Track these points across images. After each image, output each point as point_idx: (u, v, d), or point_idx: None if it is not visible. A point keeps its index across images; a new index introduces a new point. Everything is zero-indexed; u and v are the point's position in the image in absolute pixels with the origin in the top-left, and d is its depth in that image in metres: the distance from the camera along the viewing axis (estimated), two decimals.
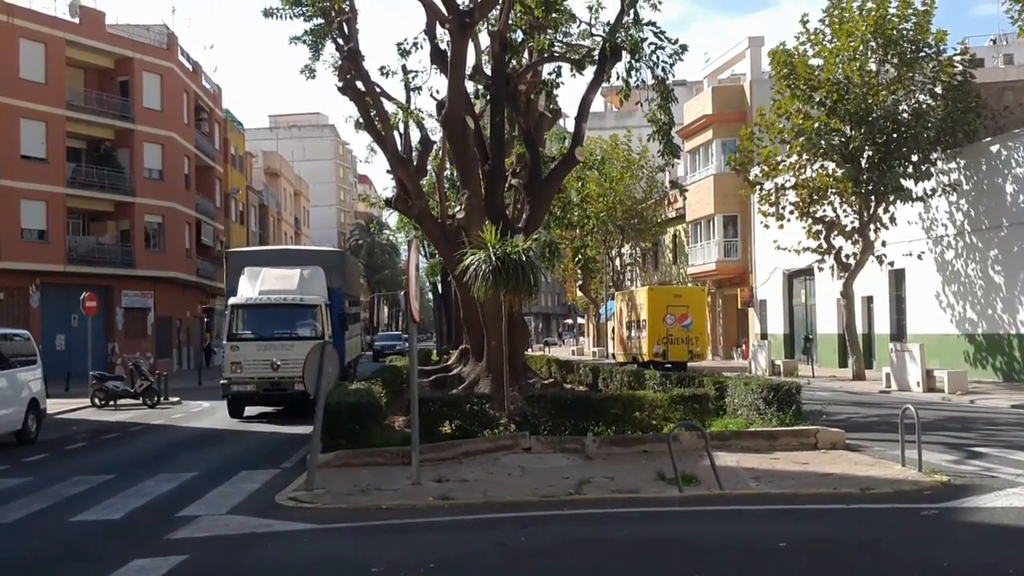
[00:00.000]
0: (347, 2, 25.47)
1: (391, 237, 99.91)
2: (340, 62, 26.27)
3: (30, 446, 19.74)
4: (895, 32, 31.66)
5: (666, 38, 24.56)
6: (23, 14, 43.75)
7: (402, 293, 76.27)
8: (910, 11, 31.77)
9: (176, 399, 31.49)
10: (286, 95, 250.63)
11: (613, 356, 49.04)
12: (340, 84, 26.03)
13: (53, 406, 24.68)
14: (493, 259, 17.56)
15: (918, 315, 34.85)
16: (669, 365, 36.62)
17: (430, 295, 76.67)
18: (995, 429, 19.41)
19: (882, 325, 37.21)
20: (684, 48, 24.66)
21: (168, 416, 26.66)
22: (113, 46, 48.76)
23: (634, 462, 14.82)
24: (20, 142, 43.35)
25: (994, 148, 31.13)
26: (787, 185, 35.35)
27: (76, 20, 46.85)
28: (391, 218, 69.77)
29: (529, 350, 47.00)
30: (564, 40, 27.92)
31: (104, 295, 44.55)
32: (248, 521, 11.34)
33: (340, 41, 26.16)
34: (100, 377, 30.45)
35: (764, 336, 46.43)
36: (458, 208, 27.15)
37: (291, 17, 25.71)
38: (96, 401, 29.32)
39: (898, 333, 35.55)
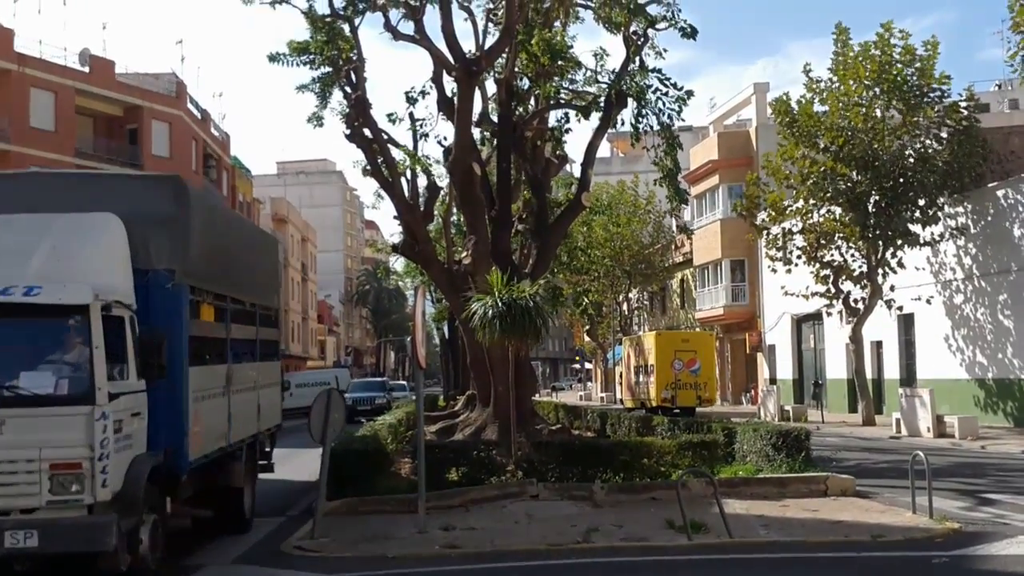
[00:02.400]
0: (354, 51, 25.67)
1: (398, 283, 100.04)
2: (347, 110, 26.43)
3: None
4: (899, 77, 31.81)
5: (671, 84, 24.69)
6: (34, 63, 44.25)
7: (408, 339, 76.20)
8: (914, 56, 31.93)
9: None
10: (294, 140, 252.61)
11: (621, 401, 48.81)
12: (348, 132, 26.16)
13: None
14: (499, 304, 17.52)
15: (928, 360, 34.67)
16: (678, 411, 36.42)
17: (437, 341, 76.57)
18: (1007, 475, 19.21)
19: (892, 370, 37.01)
20: (690, 94, 24.77)
21: None
22: (122, 94, 49.24)
23: (643, 509, 14.68)
24: None
25: (1001, 192, 31.14)
26: (794, 230, 35.37)
27: (86, 69, 47.37)
28: (398, 263, 70.02)
29: (536, 395, 46.84)
30: (570, 87, 28.08)
31: None
32: (254, 570, 11.25)
33: (347, 89, 26.32)
34: None
35: (773, 381, 46.20)
36: (465, 254, 27.16)
37: (297, 64, 25.90)
38: None
39: (908, 378, 35.34)
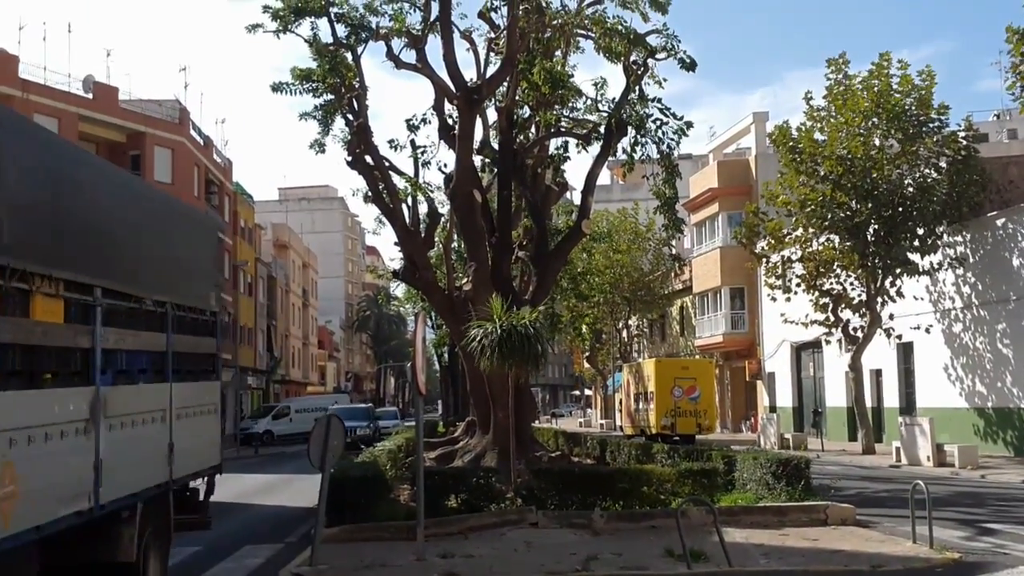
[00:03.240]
0: (357, 79, 25.87)
1: (399, 308, 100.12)
2: (350, 137, 26.60)
3: None
4: (897, 107, 31.97)
5: (671, 114, 24.88)
6: (37, 89, 44.46)
7: (408, 365, 76.15)
8: (911, 86, 32.10)
9: None
10: (296, 166, 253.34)
11: (621, 428, 48.73)
12: (350, 158, 26.32)
13: None
14: (499, 331, 17.55)
15: (927, 388, 34.66)
16: (677, 438, 36.38)
17: (437, 367, 76.43)
18: (1007, 505, 19.18)
19: (891, 398, 36.99)
20: (689, 124, 25.05)
21: None
22: (126, 121, 49.45)
23: (642, 538, 14.66)
24: None
25: (1000, 222, 31.23)
26: (793, 258, 35.44)
27: (90, 95, 47.59)
28: (399, 289, 70.16)
29: (536, 422, 46.80)
30: (570, 116, 28.28)
31: None
32: None
33: (350, 117, 26.51)
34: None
35: (773, 409, 46.15)
36: (465, 280, 27.27)
37: (301, 92, 26.09)
38: None
39: (907, 406, 35.31)
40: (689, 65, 24.38)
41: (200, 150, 56.34)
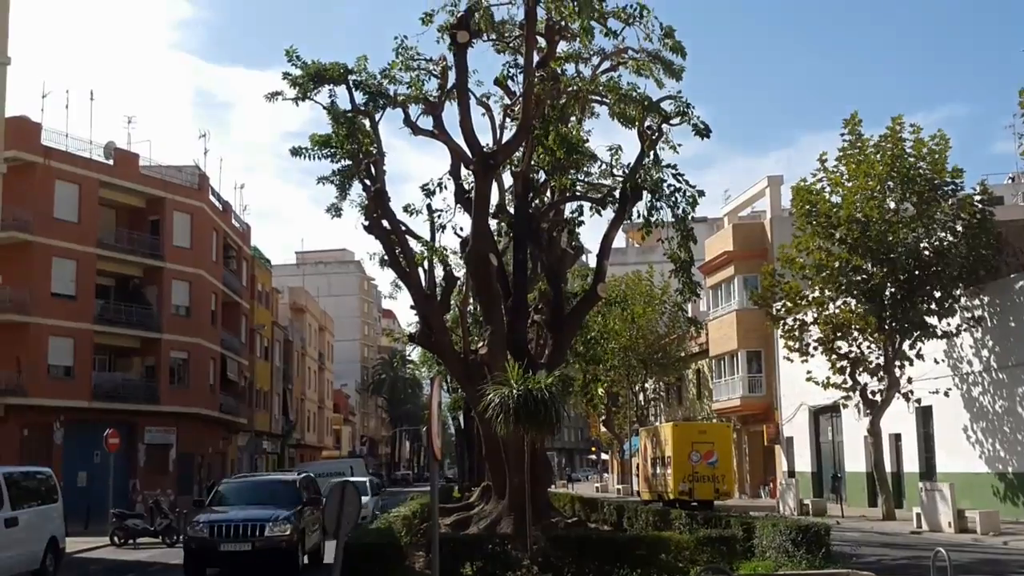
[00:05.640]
0: (374, 145, 26.15)
1: (414, 372, 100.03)
2: (366, 202, 26.79)
3: None
4: (911, 170, 32.08)
5: (685, 181, 25.04)
6: (59, 156, 45.14)
7: (424, 429, 75.52)
8: (925, 150, 32.25)
9: None
10: (313, 229, 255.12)
11: (638, 493, 48.27)
12: (366, 223, 26.48)
13: (72, 544, 24.45)
14: (515, 395, 17.51)
15: (947, 453, 34.29)
16: (695, 504, 36.00)
17: (452, 430, 76.11)
18: None
19: (911, 463, 36.59)
20: (701, 193, 25.21)
21: None
22: (146, 186, 50.10)
23: None
24: (51, 280, 44.20)
25: (1018, 285, 31.12)
26: (809, 321, 35.34)
27: (111, 162, 48.26)
28: (414, 353, 70.12)
29: (552, 487, 46.41)
30: (585, 180, 28.45)
31: (127, 431, 44.62)
32: None
33: (367, 182, 26.73)
34: (120, 515, 30.22)
35: (791, 474, 45.70)
36: (481, 344, 27.24)
37: (319, 158, 26.34)
38: (116, 539, 29.04)
39: (927, 471, 34.92)
40: (703, 131, 24.55)
41: (219, 215, 56.93)
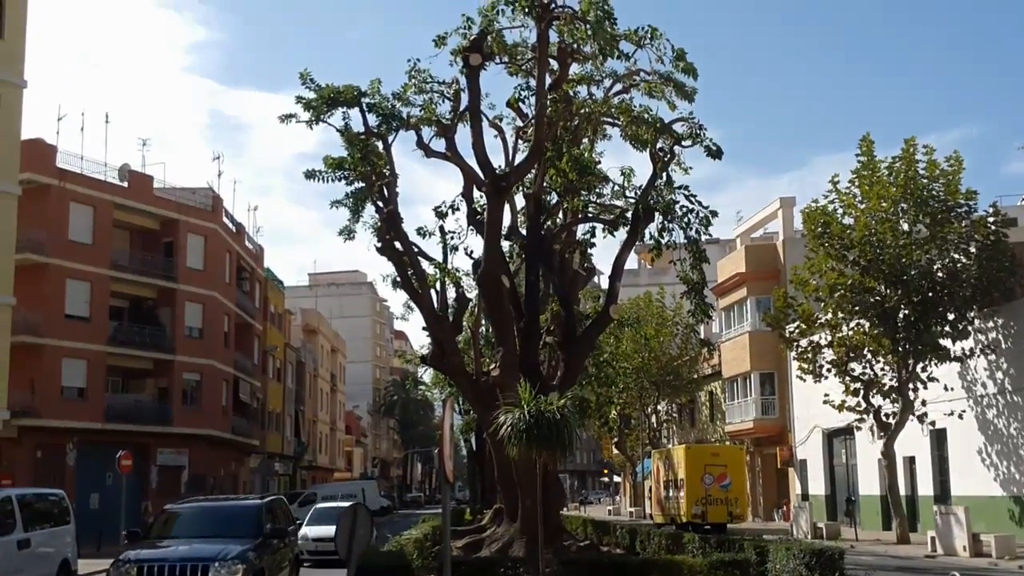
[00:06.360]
0: (387, 167, 26.26)
1: (426, 393, 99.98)
2: (379, 224, 26.88)
3: None
4: (925, 192, 32.02)
5: (697, 202, 25.07)
6: (74, 179, 45.41)
7: (435, 451, 75.41)
8: (938, 171, 32.19)
9: None
10: (326, 249, 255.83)
11: (651, 516, 48.05)
12: (379, 245, 26.56)
13: (84, 566, 24.42)
14: (527, 417, 17.48)
15: (961, 475, 34.05)
16: (708, 527, 35.81)
17: (464, 452, 75.91)
18: None
19: (925, 486, 36.34)
20: (714, 214, 25.28)
21: None
22: (160, 209, 50.33)
23: None
24: (65, 301, 44.37)
25: None
26: (823, 342, 35.22)
27: (125, 184, 48.53)
28: (426, 374, 70.02)
29: (564, 509, 46.26)
30: (597, 201, 28.51)
31: (140, 453, 44.64)
32: None
33: (380, 204, 26.82)
34: (132, 536, 30.19)
35: (805, 497, 45.43)
36: (493, 365, 27.22)
37: (333, 180, 26.46)
38: None
39: (942, 494, 34.67)
40: (715, 153, 24.61)
41: (232, 237, 57.15)
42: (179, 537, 17.11)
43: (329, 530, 24.19)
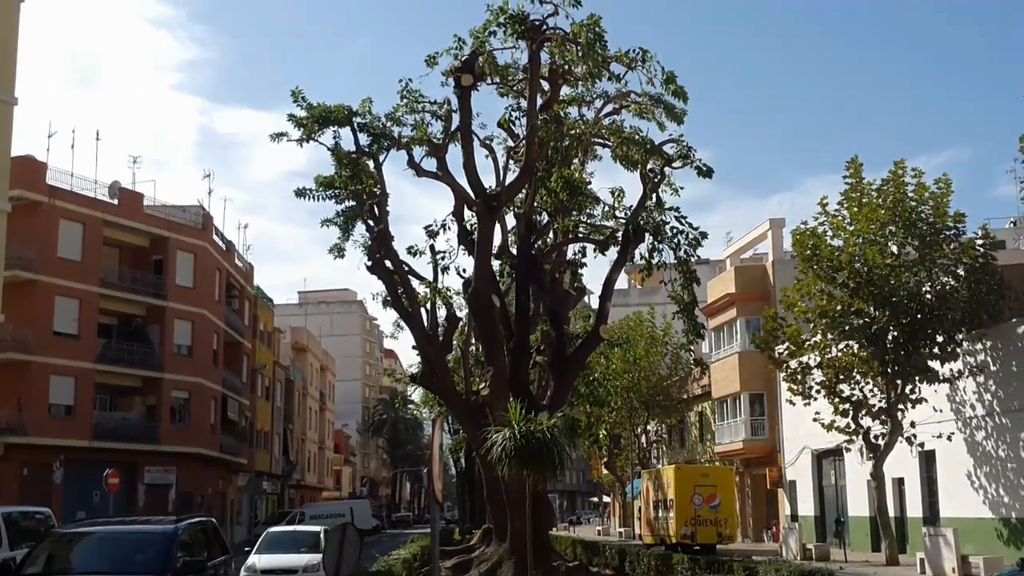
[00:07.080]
0: (378, 186, 26.32)
1: (415, 412, 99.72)
2: (370, 242, 26.92)
3: None
4: (913, 214, 32.14)
5: (687, 223, 25.19)
6: (64, 196, 45.38)
7: (424, 470, 75.16)
8: (927, 194, 32.33)
9: None
10: (315, 267, 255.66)
11: (640, 536, 47.95)
12: (369, 264, 26.60)
13: None
14: (517, 437, 17.47)
15: (951, 497, 34.07)
16: (698, 548, 35.75)
17: (454, 472, 75.74)
18: None
19: (914, 508, 36.34)
20: (704, 235, 25.48)
21: None
22: (149, 226, 50.31)
23: None
24: (54, 318, 44.25)
25: (1020, 329, 31.03)
26: (812, 364, 35.28)
27: (115, 201, 48.49)
28: (416, 393, 70.04)
29: (554, 529, 46.15)
30: (588, 221, 28.62)
31: (127, 471, 44.45)
32: None
33: (370, 222, 26.88)
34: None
35: (794, 518, 45.39)
36: (483, 384, 27.24)
37: (323, 199, 26.51)
38: None
39: (931, 516, 34.67)
40: (706, 172, 24.76)
41: (222, 255, 57.10)
42: (63, 574, 13.89)
43: (284, 560, 22.90)
